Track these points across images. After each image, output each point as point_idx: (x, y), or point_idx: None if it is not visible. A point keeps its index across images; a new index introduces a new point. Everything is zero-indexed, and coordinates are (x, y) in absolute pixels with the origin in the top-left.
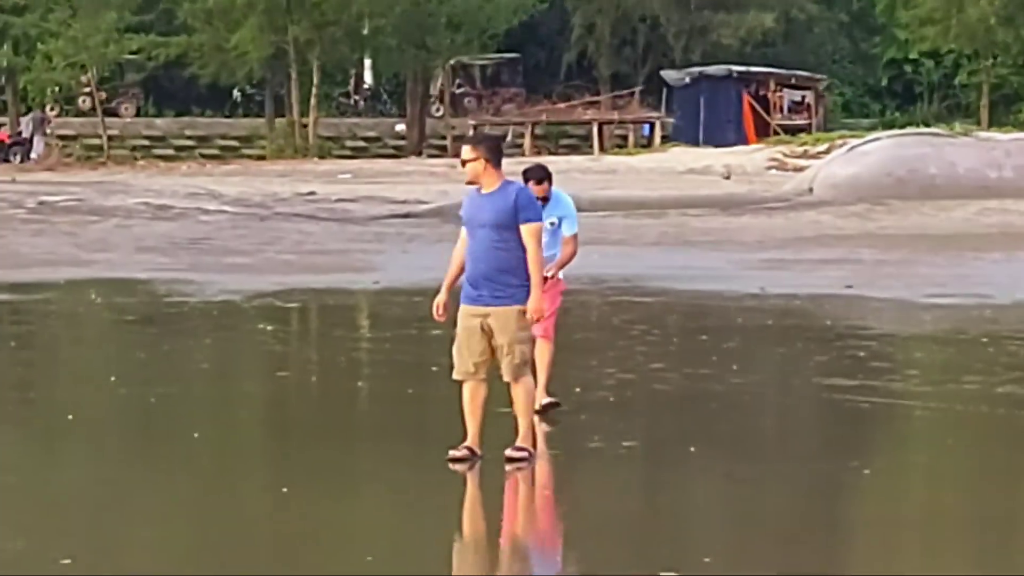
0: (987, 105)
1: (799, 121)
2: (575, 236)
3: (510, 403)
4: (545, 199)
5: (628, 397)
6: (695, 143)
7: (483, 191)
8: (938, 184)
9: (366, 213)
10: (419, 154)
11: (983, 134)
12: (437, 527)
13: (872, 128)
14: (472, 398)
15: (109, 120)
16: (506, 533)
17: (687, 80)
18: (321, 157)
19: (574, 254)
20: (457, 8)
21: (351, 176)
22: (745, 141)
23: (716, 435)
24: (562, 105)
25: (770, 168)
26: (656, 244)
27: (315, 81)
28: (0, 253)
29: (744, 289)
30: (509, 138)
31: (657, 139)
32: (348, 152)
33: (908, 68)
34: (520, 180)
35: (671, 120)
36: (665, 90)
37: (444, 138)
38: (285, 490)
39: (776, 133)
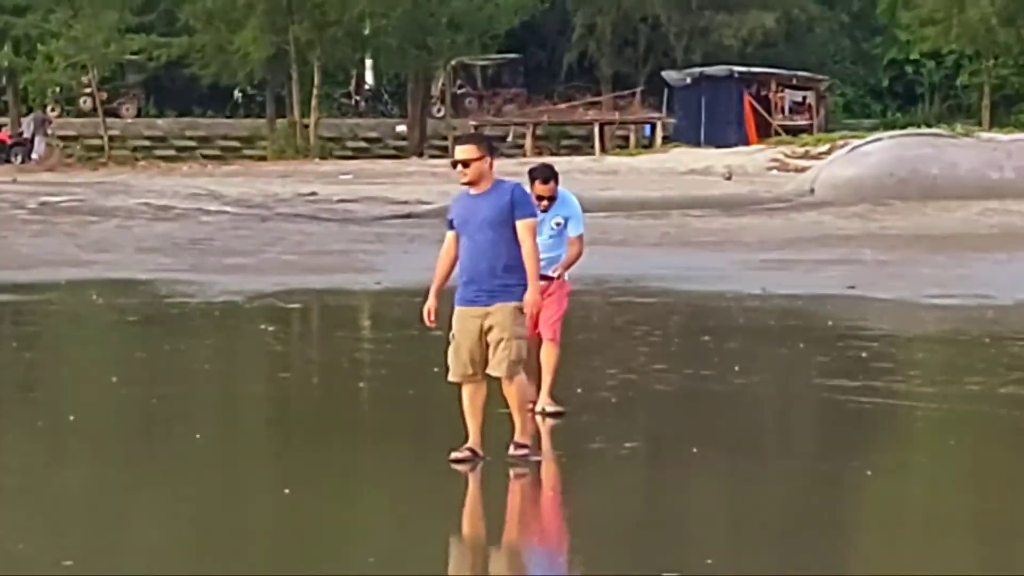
0: (988, 106)
1: (800, 122)
2: (581, 237)
3: (504, 403)
4: (551, 199)
5: (630, 398)
6: (696, 144)
7: (475, 192)
8: (939, 185)
9: (367, 214)
10: (420, 155)
11: (984, 135)
12: (439, 528)
13: (873, 129)
14: (472, 399)
15: (110, 121)
16: (508, 534)
17: (688, 81)
18: (322, 158)
19: (580, 254)
20: (458, 8)
21: (352, 177)
22: (746, 142)
23: (718, 436)
24: (563, 106)
25: (771, 169)
26: (658, 245)
27: (316, 82)
28: (1, 254)
29: (746, 290)
30: (510, 138)
31: (658, 140)
32: (349, 153)
33: (909, 69)
34: (526, 180)
35: (672, 121)
36: (666, 90)
37: (445, 139)
38: (287, 491)
39: (777, 134)
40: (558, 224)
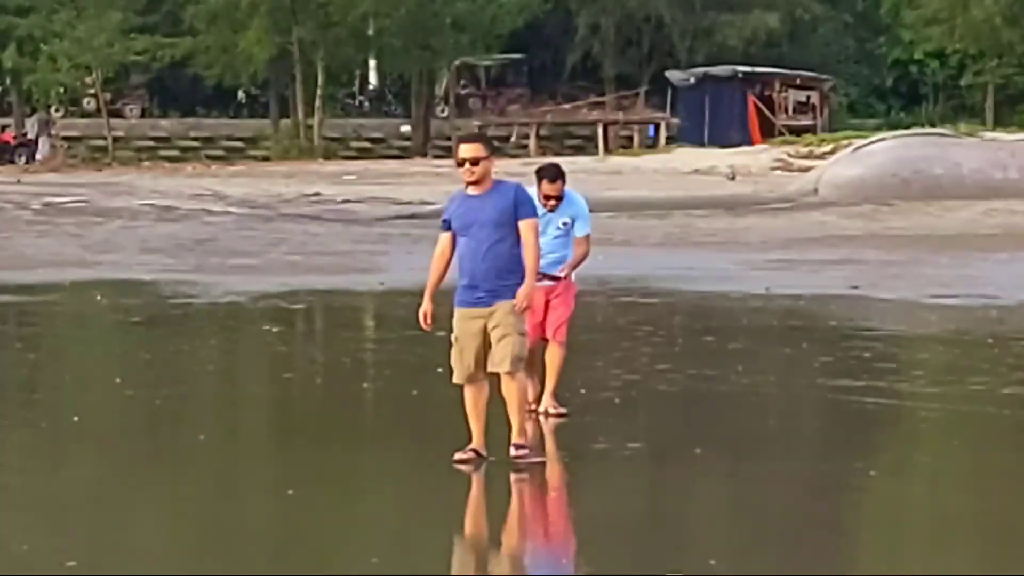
0: (992, 105)
1: (804, 122)
2: (588, 237)
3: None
4: (559, 198)
5: (633, 398)
6: (700, 144)
7: (475, 192)
8: (943, 185)
9: (371, 214)
10: (424, 155)
11: (988, 135)
12: (443, 529)
13: (877, 129)
14: (475, 400)
15: (114, 121)
16: (512, 535)
17: (692, 81)
18: (326, 158)
19: (587, 255)
20: (462, 9)
21: (356, 177)
22: (750, 142)
23: (721, 436)
24: (567, 106)
25: (775, 169)
26: (661, 245)
27: (320, 82)
28: (6, 254)
29: (749, 290)
30: (514, 139)
31: (662, 140)
32: (353, 153)
33: (913, 68)
34: (529, 180)
35: (676, 121)
36: (670, 91)
37: (449, 139)
38: (291, 492)
39: (781, 134)
40: (565, 224)
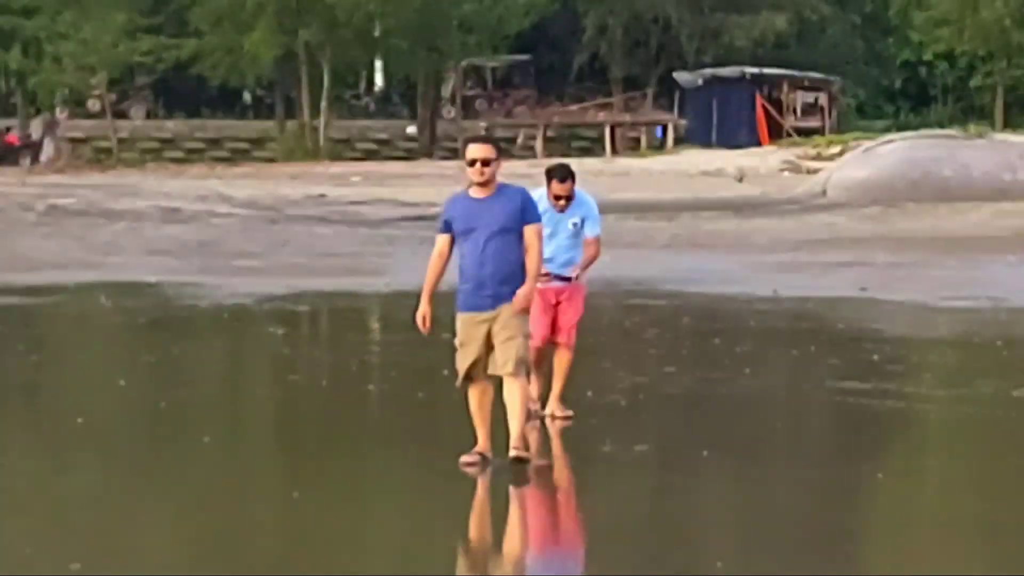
0: (1002, 107)
1: (812, 123)
2: (598, 238)
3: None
4: (568, 198)
5: (640, 400)
6: (708, 145)
7: (480, 195)
8: (952, 186)
9: (377, 216)
10: (430, 156)
11: (997, 136)
12: (449, 531)
13: (886, 130)
14: (480, 402)
15: (119, 123)
16: (518, 537)
17: (700, 82)
18: (332, 159)
19: (597, 255)
20: (468, 10)
21: (362, 178)
22: (758, 143)
23: (728, 439)
24: (574, 107)
25: (783, 170)
26: (668, 247)
27: (326, 83)
28: (10, 256)
29: (757, 292)
30: (520, 140)
31: (670, 141)
32: (359, 154)
33: (922, 70)
34: (535, 182)
35: (684, 122)
36: (678, 92)
37: (455, 140)
38: (296, 494)
39: (789, 135)
40: (575, 224)
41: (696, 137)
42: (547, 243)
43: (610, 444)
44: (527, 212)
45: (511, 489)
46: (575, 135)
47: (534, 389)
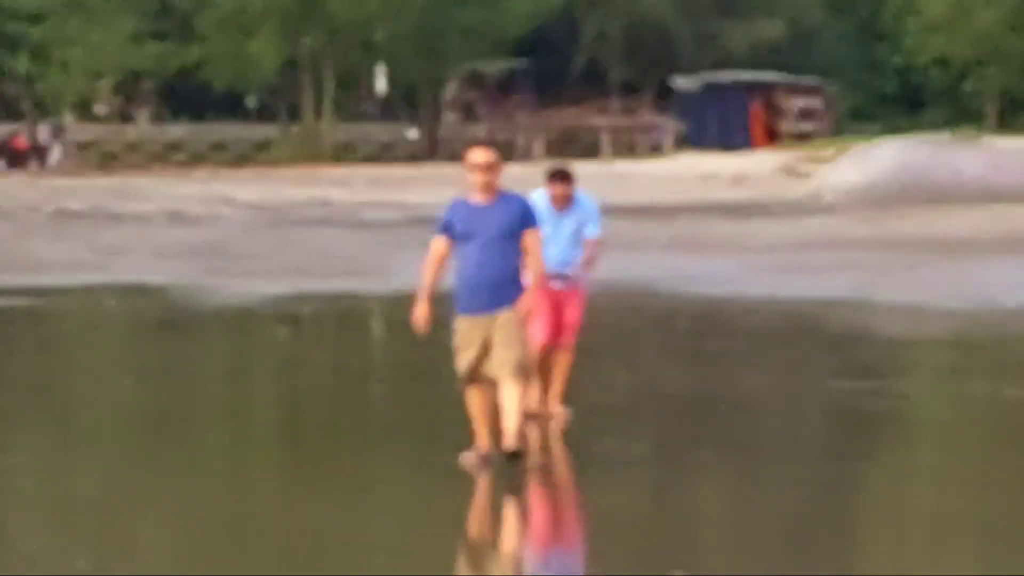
0: (994, 111)
1: (808, 127)
2: (599, 239)
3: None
4: (569, 199)
5: (638, 401)
6: (705, 149)
7: (481, 201)
8: (945, 190)
9: (379, 218)
10: (432, 160)
11: (990, 140)
12: (449, 530)
13: (880, 134)
14: (480, 403)
15: (125, 127)
16: (517, 535)
17: (697, 87)
18: (335, 163)
19: (597, 256)
20: (469, 16)
21: (364, 182)
22: (754, 147)
23: (725, 438)
24: (573, 111)
25: (779, 174)
26: (666, 249)
27: (328, 88)
28: (18, 258)
29: (754, 293)
30: (520, 144)
31: (667, 145)
32: (362, 158)
33: (916, 75)
34: (533, 186)
35: (681, 126)
36: (675, 96)
37: (456, 144)
38: (299, 493)
39: (785, 139)
40: (575, 225)
41: (693, 141)
42: (547, 244)
43: (609, 444)
44: (526, 219)
45: (510, 488)
46: (574, 139)
47: (534, 390)
